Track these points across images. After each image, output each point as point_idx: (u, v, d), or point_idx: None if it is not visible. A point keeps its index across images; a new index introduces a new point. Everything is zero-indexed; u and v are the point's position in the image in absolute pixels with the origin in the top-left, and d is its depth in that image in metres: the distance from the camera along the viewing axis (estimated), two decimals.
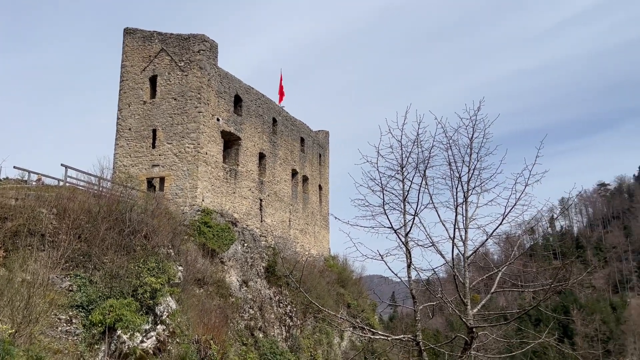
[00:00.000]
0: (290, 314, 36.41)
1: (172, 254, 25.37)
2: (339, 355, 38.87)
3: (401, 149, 13.72)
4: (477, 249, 14.07)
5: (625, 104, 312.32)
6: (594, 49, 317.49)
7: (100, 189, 26.75)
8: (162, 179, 34.48)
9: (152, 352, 20.99)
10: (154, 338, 21.27)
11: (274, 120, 43.60)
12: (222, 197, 36.04)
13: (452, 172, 13.83)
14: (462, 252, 13.50)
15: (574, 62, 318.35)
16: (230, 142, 38.19)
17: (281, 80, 48.27)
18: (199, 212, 33.13)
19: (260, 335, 31.97)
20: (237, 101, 38.98)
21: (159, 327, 21.73)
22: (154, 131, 35.35)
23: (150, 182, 34.85)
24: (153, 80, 36.42)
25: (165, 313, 22.23)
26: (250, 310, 32.62)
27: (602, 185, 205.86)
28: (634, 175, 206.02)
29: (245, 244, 35.67)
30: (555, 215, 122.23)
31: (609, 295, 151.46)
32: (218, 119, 36.43)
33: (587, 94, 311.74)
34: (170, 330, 22.31)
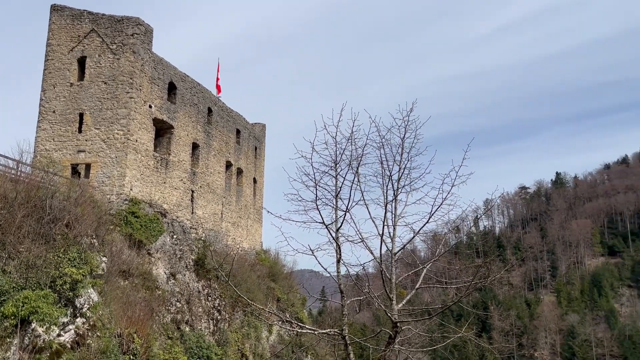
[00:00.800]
0: (218, 307, 35.95)
1: (96, 244, 24.32)
2: (267, 349, 38.83)
3: (335, 145, 13.90)
4: (405, 246, 14.50)
5: (545, 113, 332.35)
6: (521, 59, 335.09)
7: (19, 173, 25.15)
8: (87, 166, 32.94)
9: (69, 347, 20.05)
10: (73, 331, 20.32)
11: (210, 110, 42.75)
12: (152, 186, 34.94)
13: (383, 170, 14.17)
14: (390, 248, 13.86)
15: (502, 70, 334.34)
16: (162, 130, 37.07)
17: (218, 71, 47.45)
18: (127, 202, 31.96)
19: (187, 329, 31.36)
20: (172, 88, 37.87)
21: (78, 320, 20.78)
22: (81, 115, 33.69)
23: (74, 169, 33.21)
24: (82, 62, 34.68)
25: (85, 305, 21.28)
26: (178, 303, 31.91)
27: (523, 188, 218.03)
28: (551, 180, 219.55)
29: (175, 236, 34.81)
30: (479, 216, 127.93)
31: (525, 292, 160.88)
32: (150, 106, 35.25)
33: (512, 102, 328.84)
34: (91, 323, 21.40)
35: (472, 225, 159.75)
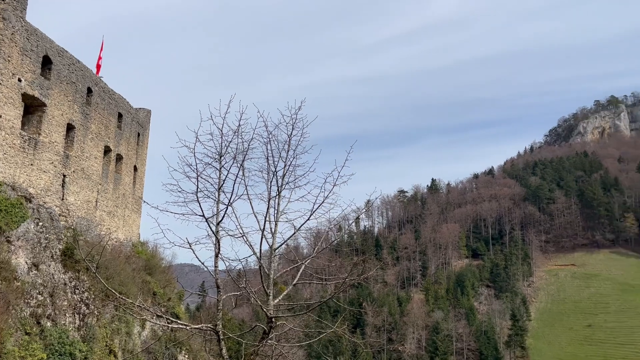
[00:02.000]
0: (86, 301, 33.68)
1: None
2: (138, 345, 37.13)
3: (221, 137, 13.66)
4: (285, 241, 14.63)
5: (424, 122, 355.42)
6: (407, 70, 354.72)
7: None
8: None
9: None
10: None
11: (89, 90, 39.86)
12: (16, 168, 31.80)
13: (268, 166, 14.18)
14: (270, 244, 13.91)
15: (389, 79, 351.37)
16: (32, 107, 33.84)
17: (101, 49, 44.45)
18: None
19: (49, 323, 28.99)
20: (47, 63, 34.70)
21: None
22: None
23: None
24: None
25: None
26: (39, 296, 29.36)
27: (401, 192, 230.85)
28: (427, 185, 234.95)
29: (40, 223, 31.98)
30: (359, 215, 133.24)
31: (397, 290, 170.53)
32: (20, 80, 32.04)
33: (395, 110, 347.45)
34: None
35: (351, 223, 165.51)
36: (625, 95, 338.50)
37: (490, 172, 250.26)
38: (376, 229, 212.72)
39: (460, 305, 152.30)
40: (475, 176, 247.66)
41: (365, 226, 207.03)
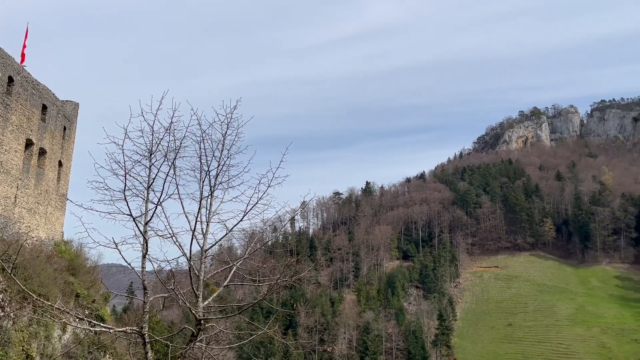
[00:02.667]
0: (1, 303, 31.63)
1: None
2: (59, 349, 35.27)
3: (152, 134, 13.25)
4: (217, 242, 14.42)
5: (361, 126, 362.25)
6: (345, 74, 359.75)
7: None
8: None
9: None
10: None
11: (10, 80, 37.49)
12: None
13: (201, 165, 13.91)
14: (201, 245, 13.65)
15: (328, 81, 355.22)
16: None
17: (26, 38, 41.91)
18: None
19: None
20: None
21: None
22: None
23: None
24: None
25: None
26: None
27: (337, 194, 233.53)
28: (361, 188, 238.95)
29: None
30: (294, 216, 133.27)
31: (330, 291, 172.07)
32: None
33: (332, 112, 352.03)
34: None
35: (285, 224, 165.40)
36: (547, 107, 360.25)
37: (421, 176, 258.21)
38: (311, 230, 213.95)
39: (390, 305, 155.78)
40: (408, 180, 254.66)
41: (300, 227, 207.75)
